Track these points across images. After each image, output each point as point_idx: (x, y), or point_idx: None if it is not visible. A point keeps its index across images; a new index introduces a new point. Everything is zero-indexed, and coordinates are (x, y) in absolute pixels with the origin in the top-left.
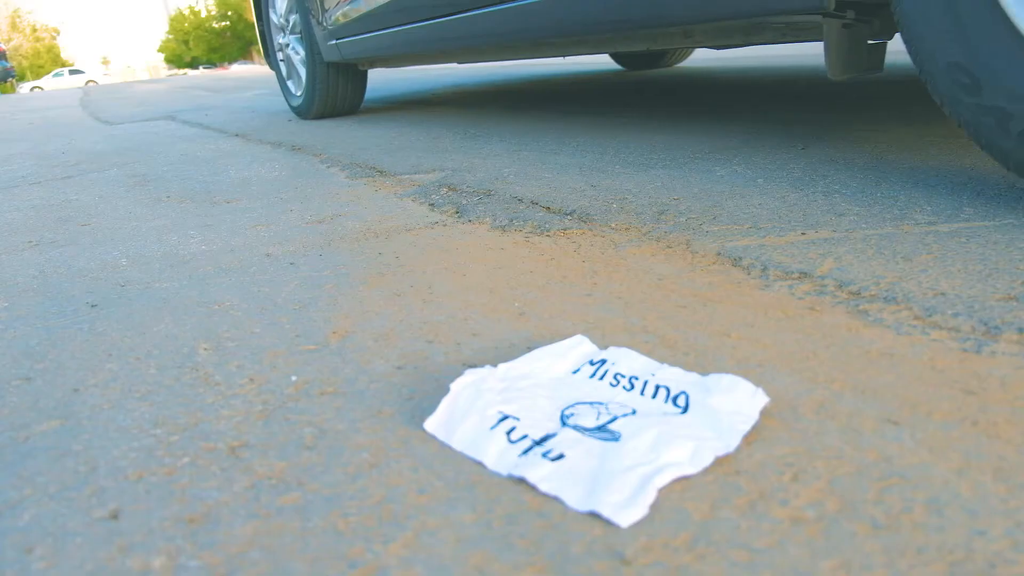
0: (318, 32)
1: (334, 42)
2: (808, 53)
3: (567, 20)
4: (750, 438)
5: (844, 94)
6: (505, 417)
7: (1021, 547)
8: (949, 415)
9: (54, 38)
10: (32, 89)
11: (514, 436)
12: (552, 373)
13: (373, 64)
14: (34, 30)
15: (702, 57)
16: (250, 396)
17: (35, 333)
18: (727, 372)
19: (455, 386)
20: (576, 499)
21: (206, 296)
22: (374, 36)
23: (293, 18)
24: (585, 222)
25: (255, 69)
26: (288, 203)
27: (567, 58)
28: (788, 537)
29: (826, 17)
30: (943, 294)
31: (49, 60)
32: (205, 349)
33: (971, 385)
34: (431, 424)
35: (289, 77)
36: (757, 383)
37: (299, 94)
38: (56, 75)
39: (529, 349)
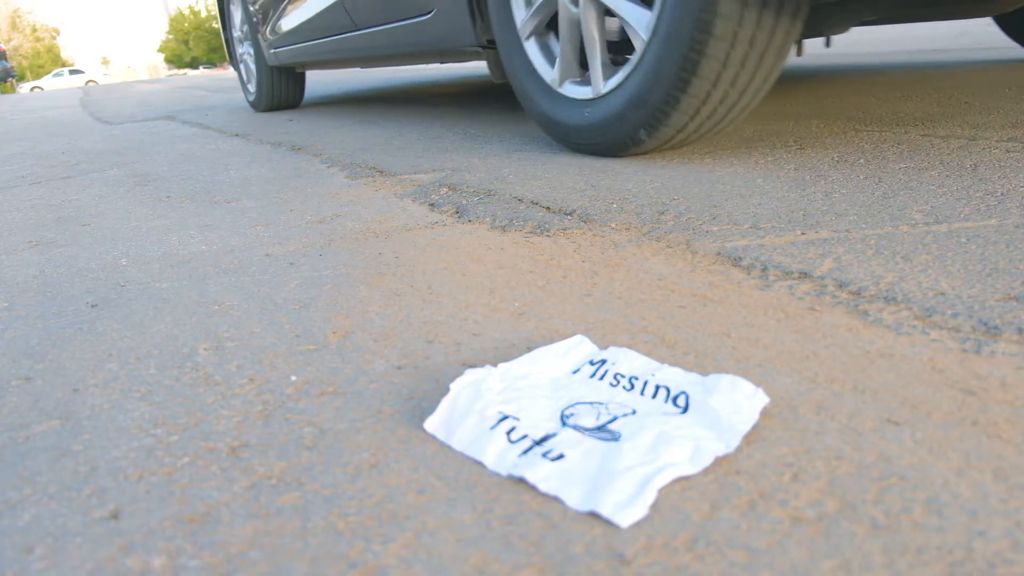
0: (262, 42)
1: (272, 51)
2: (808, 55)
3: (374, 47)
4: (750, 438)
5: (843, 96)
6: (505, 417)
7: (1021, 547)
8: (949, 415)
9: (54, 38)
10: (32, 89)
11: (514, 436)
12: (552, 373)
13: (304, 67)
14: (34, 30)
15: None
16: (250, 396)
17: (35, 333)
18: (727, 372)
19: (455, 386)
20: (576, 499)
21: (206, 296)
22: (294, 48)
23: (246, 30)
24: (585, 222)
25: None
26: (288, 203)
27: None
28: (788, 537)
29: (484, 48)
30: (943, 294)
31: (49, 60)
32: (205, 349)
33: (971, 385)
34: (431, 424)
35: (246, 78)
36: (757, 383)
37: (253, 91)
38: (56, 75)
39: (529, 349)
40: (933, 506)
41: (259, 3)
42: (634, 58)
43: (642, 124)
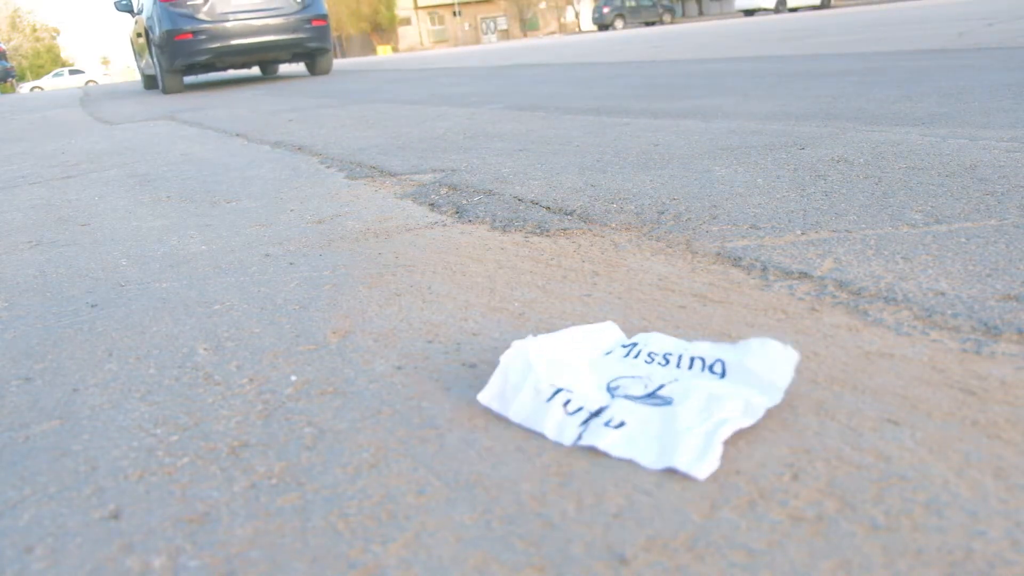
0: (141, 65)
1: (143, 68)
2: (809, 53)
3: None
4: (750, 438)
5: (843, 96)
6: (559, 390)
7: (1021, 547)
8: (949, 415)
9: (54, 38)
10: (32, 89)
11: (570, 408)
12: (586, 355)
13: (152, 78)
14: (34, 30)
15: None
16: (250, 396)
17: (35, 333)
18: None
19: (504, 358)
20: (650, 459)
21: (206, 296)
22: (144, 70)
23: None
24: (585, 222)
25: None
26: (288, 203)
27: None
28: (788, 537)
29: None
30: (943, 294)
31: (49, 60)
32: (205, 349)
33: (971, 385)
34: (485, 396)
35: (144, 76)
36: None
37: (142, 84)
38: (56, 75)
39: None
40: (933, 506)
41: (135, 52)
42: (158, 68)
43: (165, 87)
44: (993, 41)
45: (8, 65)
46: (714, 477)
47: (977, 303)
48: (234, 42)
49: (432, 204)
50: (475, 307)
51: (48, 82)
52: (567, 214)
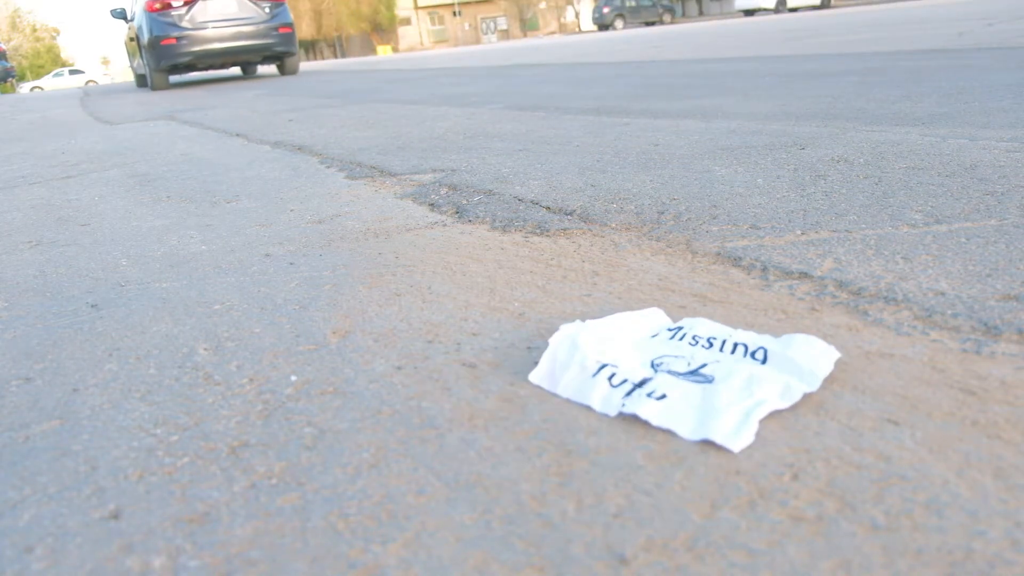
0: (134, 64)
1: (135, 68)
2: (805, 53)
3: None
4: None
5: (843, 96)
6: (604, 365)
7: (1021, 547)
8: (949, 415)
9: (54, 38)
10: (32, 89)
11: (615, 381)
12: (632, 336)
13: (142, 76)
14: (34, 30)
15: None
16: (250, 396)
17: (35, 333)
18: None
19: (553, 340)
20: (688, 430)
21: (206, 296)
22: (136, 69)
23: (132, 59)
24: (585, 222)
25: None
26: (288, 203)
27: None
28: (788, 537)
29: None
30: (943, 294)
31: (49, 60)
32: (205, 349)
33: (971, 385)
34: (535, 376)
35: (136, 75)
36: None
37: (135, 81)
38: (56, 75)
39: (529, 349)
40: (933, 506)
41: (128, 54)
42: (147, 68)
43: (153, 84)
44: (993, 41)
45: (8, 65)
46: (715, 477)
47: (977, 303)
48: (211, 46)
49: (432, 204)
50: (475, 307)
51: (48, 82)
52: (567, 214)
